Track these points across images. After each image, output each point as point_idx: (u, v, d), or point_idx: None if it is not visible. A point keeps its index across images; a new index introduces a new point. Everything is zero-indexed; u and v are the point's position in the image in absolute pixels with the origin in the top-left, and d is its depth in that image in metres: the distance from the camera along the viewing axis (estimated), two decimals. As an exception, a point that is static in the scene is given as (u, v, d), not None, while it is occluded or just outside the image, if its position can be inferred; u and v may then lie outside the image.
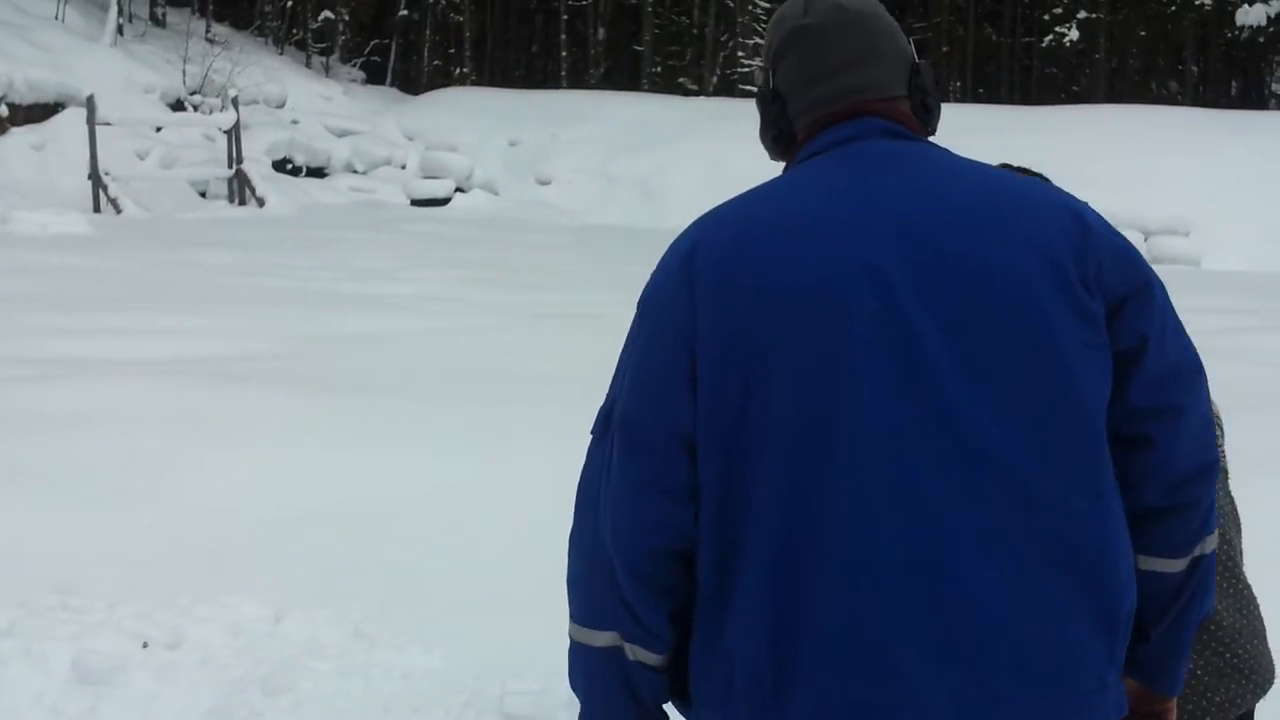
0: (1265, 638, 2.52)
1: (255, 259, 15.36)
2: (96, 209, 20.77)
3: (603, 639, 1.77)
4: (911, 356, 1.63)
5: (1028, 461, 1.63)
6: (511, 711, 3.91)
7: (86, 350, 8.40)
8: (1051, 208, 1.73)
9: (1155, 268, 1.78)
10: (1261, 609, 2.53)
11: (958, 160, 1.79)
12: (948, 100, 29.44)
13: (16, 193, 20.19)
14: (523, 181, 27.95)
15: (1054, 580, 1.63)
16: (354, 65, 36.24)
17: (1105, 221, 1.75)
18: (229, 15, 35.70)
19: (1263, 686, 2.50)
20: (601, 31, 38.94)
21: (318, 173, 26.97)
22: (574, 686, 1.85)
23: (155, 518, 5.28)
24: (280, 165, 26.12)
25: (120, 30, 27.56)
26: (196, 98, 26.75)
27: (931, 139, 1.87)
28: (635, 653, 1.76)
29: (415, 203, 26.38)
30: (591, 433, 1.82)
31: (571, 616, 1.82)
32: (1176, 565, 1.79)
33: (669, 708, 1.85)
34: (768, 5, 36.32)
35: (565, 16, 38.67)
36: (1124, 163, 21.84)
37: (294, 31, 35.62)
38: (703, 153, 26.70)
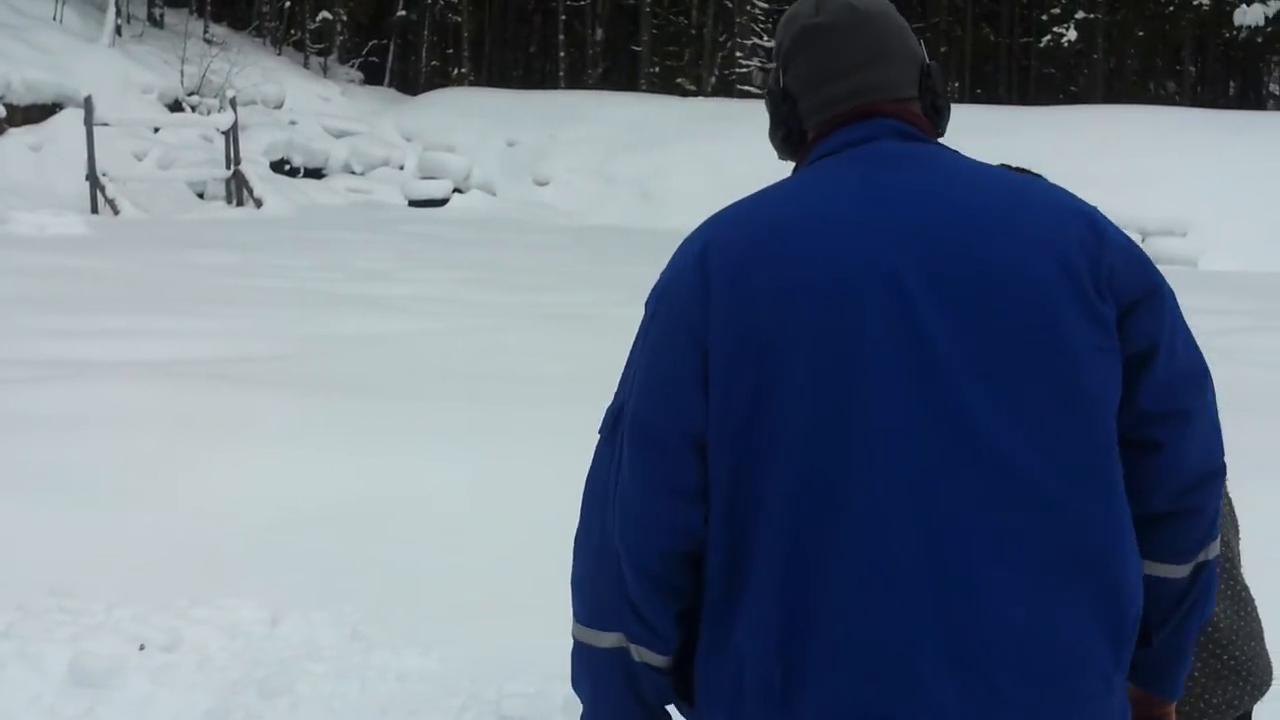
0: (1263, 639, 2.52)
1: (253, 260, 15.35)
2: (94, 210, 20.77)
3: (608, 640, 1.76)
4: (925, 358, 1.63)
5: (1039, 464, 1.63)
6: (508, 714, 3.91)
7: (84, 352, 8.39)
8: (1064, 211, 1.73)
9: (1153, 268, 1.78)
10: (1259, 610, 2.52)
11: (969, 162, 1.79)
12: (946, 100, 29.36)
13: (14, 194, 20.20)
14: (521, 182, 27.95)
15: (1064, 583, 1.64)
16: (352, 66, 36.24)
17: (1116, 226, 1.75)
18: (227, 16, 35.69)
19: (1260, 688, 2.50)
20: (599, 32, 38.95)
21: (315, 173, 26.98)
22: (576, 688, 1.84)
23: (152, 519, 5.28)
24: (278, 166, 26.12)
25: (118, 31, 27.56)
26: (194, 98, 26.75)
27: (940, 140, 1.87)
28: (641, 654, 1.75)
29: (413, 203, 26.37)
30: (599, 432, 1.81)
31: (575, 617, 1.81)
32: (1180, 571, 1.80)
33: (670, 709, 1.85)
34: (766, 6, 36.35)
35: (563, 17, 38.67)
36: (1122, 163, 21.85)
37: (292, 32, 35.62)
38: (701, 153, 26.71)
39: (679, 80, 37.26)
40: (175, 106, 26.35)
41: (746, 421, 1.66)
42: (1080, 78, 39.60)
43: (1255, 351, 9.85)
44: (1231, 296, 14.81)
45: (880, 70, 1.83)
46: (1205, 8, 35.88)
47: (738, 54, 36.07)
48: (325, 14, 35.89)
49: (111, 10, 27.03)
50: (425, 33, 38.36)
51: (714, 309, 1.68)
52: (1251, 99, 41.74)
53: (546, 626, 4.40)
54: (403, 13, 38.09)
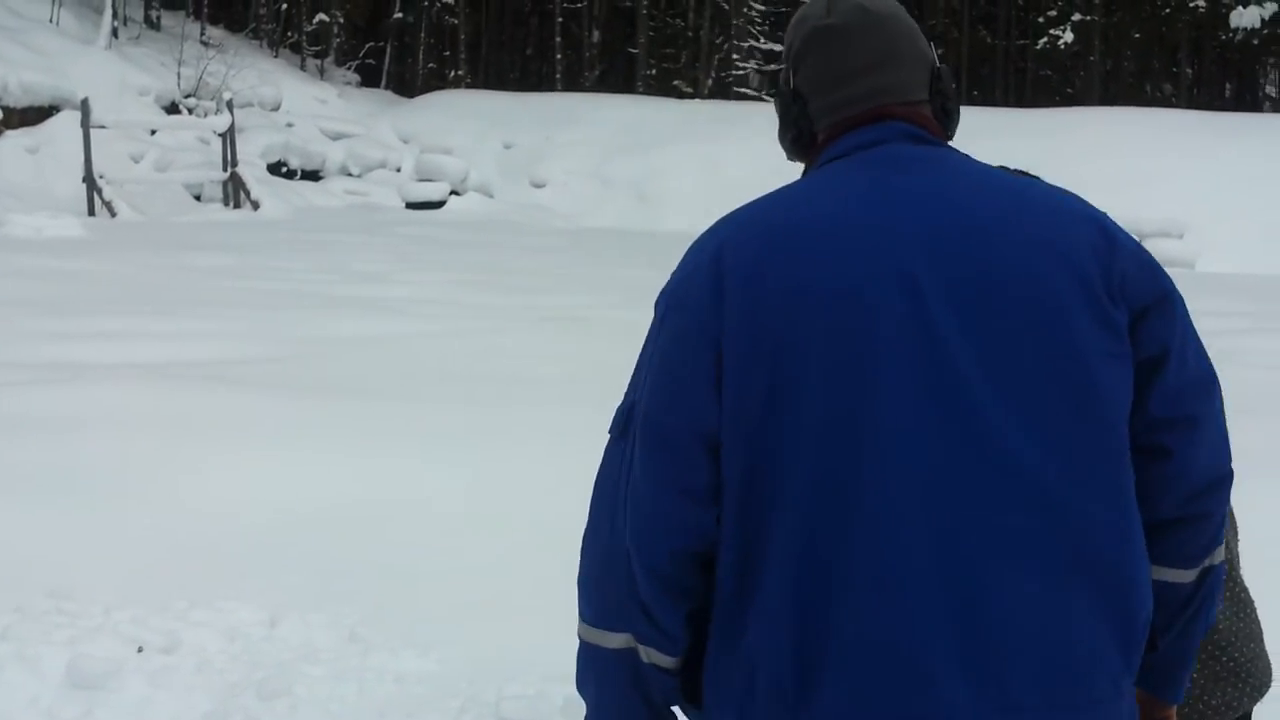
0: (1262, 640, 2.52)
1: (250, 262, 15.35)
2: (91, 212, 20.77)
3: (616, 640, 1.76)
4: (937, 360, 1.63)
5: (1052, 468, 1.63)
6: (507, 715, 3.91)
7: (81, 354, 8.39)
8: (1076, 217, 1.73)
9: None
10: (1259, 612, 2.53)
11: (980, 166, 1.79)
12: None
13: (11, 196, 20.19)
14: (517, 184, 27.95)
15: (1075, 587, 1.64)
16: (349, 68, 36.25)
17: (1127, 233, 1.76)
18: (224, 18, 35.69)
19: (1260, 690, 2.50)
20: (596, 34, 38.96)
21: (312, 176, 26.97)
22: (582, 689, 1.84)
23: (151, 522, 5.27)
24: (275, 168, 26.13)
25: (115, 33, 27.56)
26: (191, 101, 26.75)
27: (949, 143, 1.87)
28: (649, 655, 1.75)
29: (410, 205, 26.38)
30: (609, 432, 1.80)
31: (582, 617, 1.80)
32: (1187, 576, 1.80)
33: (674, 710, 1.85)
34: (762, 8, 36.37)
35: (560, 19, 38.66)
36: (1118, 165, 21.88)
37: (289, 34, 35.61)
38: (697, 155, 26.73)
39: (675, 82, 37.26)
40: (172, 109, 26.35)
41: (759, 422, 1.65)
42: (1077, 80, 39.63)
43: (1254, 353, 9.86)
44: (1229, 298, 14.82)
45: (891, 73, 1.82)
46: (1201, 10, 35.93)
47: (734, 56, 36.09)
48: (322, 16, 35.90)
49: (108, 12, 27.03)
50: (422, 35, 38.37)
51: (728, 309, 1.67)
52: (1248, 101, 41.78)
53: (545, 628, 4.40)
54: (399, 15, 38.10)
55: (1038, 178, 2.04)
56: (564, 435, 6.61)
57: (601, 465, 1.81)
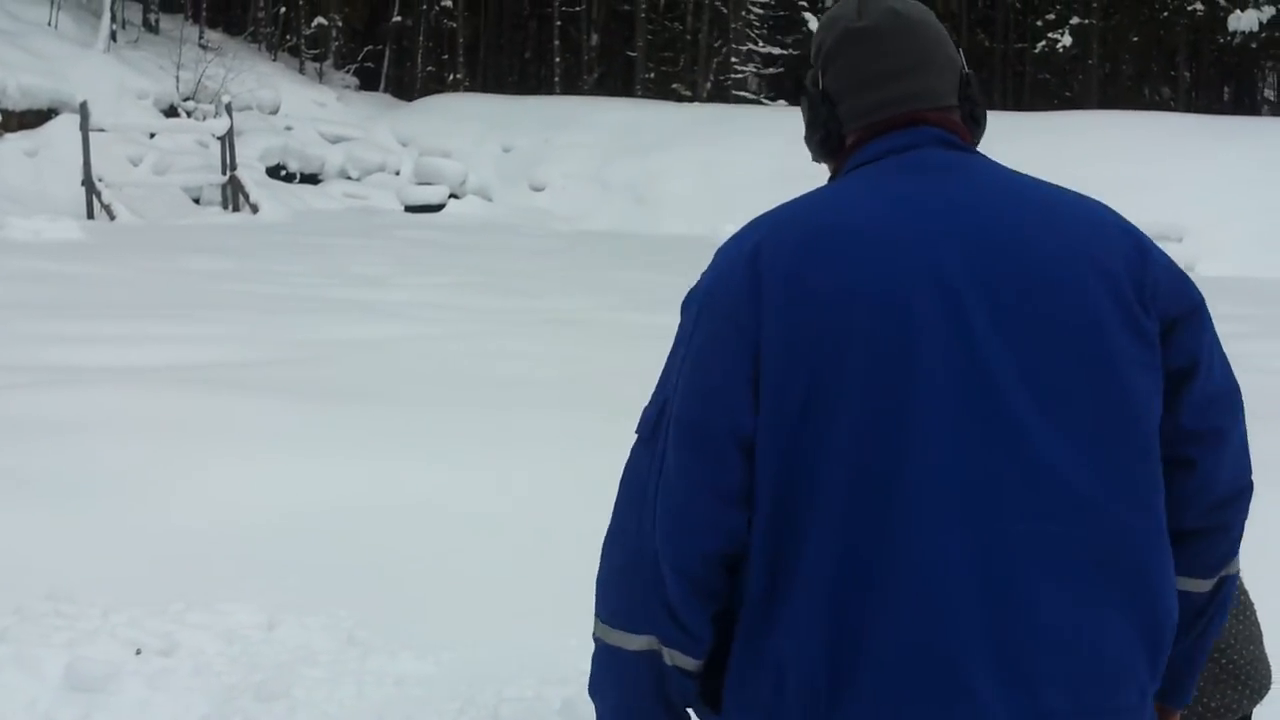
0: (1262, 643, 2.52)
1: (249, 265, 15.35)
2: (90, 215, 20.76)
3: (639, 642, 1.74)
4: (977, 369, 1.63)
5: (1086, 477, 1.64)
6: (505, 718, 3.90)
7: (80, 357, 8.39)
8: (1109, 227, 1.74)
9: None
10: (1258, 614, 2.53)
11: (1010, 173, 1.79)
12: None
13: (10, 199, 20.19)
14: (516, 187, 27.96)
15: (1107, 595, 1.64)
16: (347, 71, 36.25)
17: (1158, 246, 1.76)
18: (222, 21, 35.71)
19: (1259, 692, 2.50)
20: (595, 38, 38.97)
21: (311, 179, 26.96)
22: (596, 691, 1.82)
23: (149, 524, 5.27)
24: (274, 171, 26.13)
25: (113, 36, 27.55)
26: (190, 104, 26.74)
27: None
28: (673, 657, 1.74)
29: (409, 209, 26.38)
30: (637, 432, 1.78)
31: (602, 619, 1.79)
32: (1205, 585, 1.82)
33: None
34: (760, 12, 36.38)
35: (559, 23, 38.68)
36: (1117, 168, 21.87)
37: (287, 38, 35.61)
38: (696, 158, 26.73)
39: (674, 86, 37.27)
40: (171, 112, 26.34)
41: (796, 424, 1.65)
42: (1075, 83, 39.65)
43: (1256, 356, 9.85)
44: (1230, 301, 14.81)
45: (923, 77, 1.82)
46: (1199, 13, 35.95)
47: (733, 60, 36.10)
48: (321, 20, 35.91)
49: (107, 16, 27.03)
50: (421, 38, 38.38)
51: (766, 310, 1.66)
52: (1246, 104, 41.81)
53: (544, 631, 4.40)
54: (398, 18, 38.11)
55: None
56: (563, 438, 6.61)
57: (628, 467, 1.79)
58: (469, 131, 29.30)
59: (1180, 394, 1.72)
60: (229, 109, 23.91)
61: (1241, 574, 2.47)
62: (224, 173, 23.56)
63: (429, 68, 38.89)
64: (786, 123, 27.01)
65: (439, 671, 4.19)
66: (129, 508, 5.42)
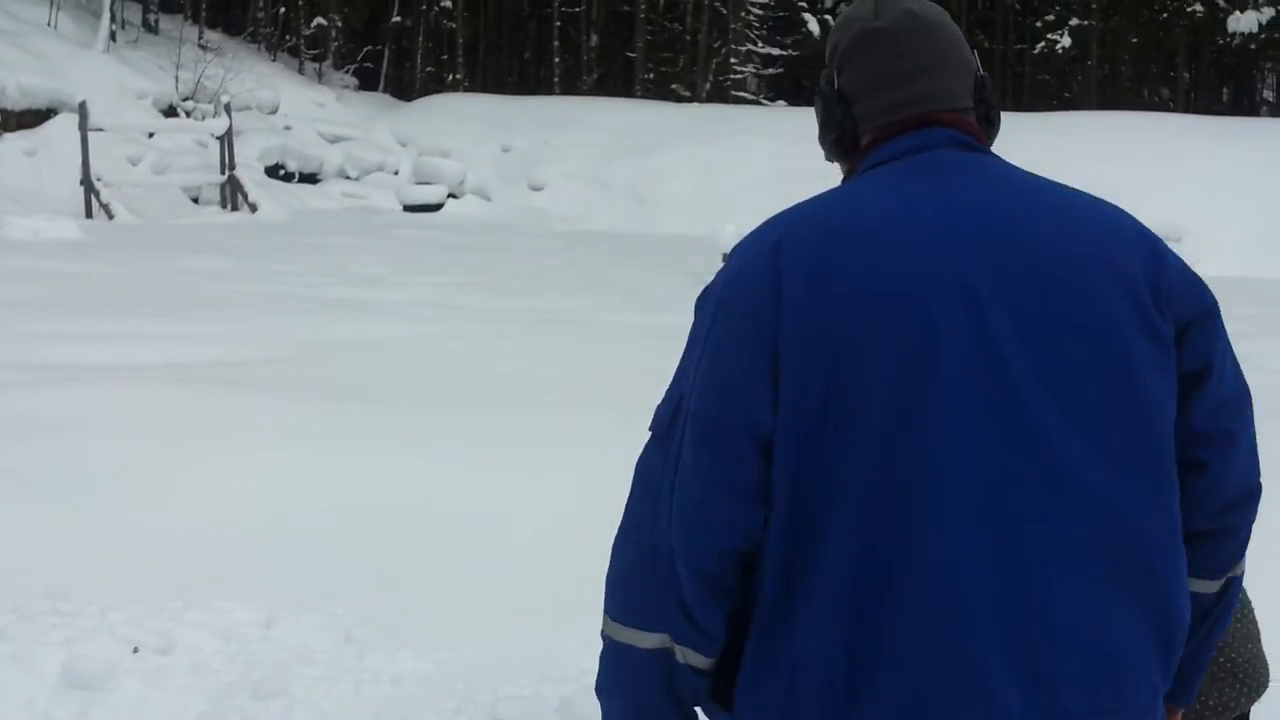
0: (1260, 641, 2.52)
1: (248, 265, 15.34)
2: (89, 215, 20.75)
3: (651, 640, 1.74)
4: (997, 371, 1.63)
5: (1104, 478, 1.64)
6: (502, 716, 3.90)
7: (79, 356, 8.38)
8: (1125, 231, 1.74)
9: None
10: (1256, 612, 2.53)
11: (1025, 174, 1.80)
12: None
13: (9, 198, 20.18)
14: (515, 187, 27.95)
15: (1122, 597, 1.65)
16: (347, 71, 36.24)
17: (1172, 250, 1.77)
18: (221, 21, 35.70)
19: (1257, 690, 2.50)
20: (594, 38, 38.97)
21: (310, 179, 26.96)
22: (604, 690, 1.81)
23: (147, 523, 5.27)
24: (273, 171, 26.12)
25: (113, 36, 27.55)
26: (189, 104, 26.73)
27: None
28: (686, 655, 1.73)
29: (408, 208, 26.37)
30: (651, 429, 1.78)
31: (613, 617, 1.77)
32: (1212, 587, 1.83)
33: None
34: (760, 13, 36.38)
35: (558, 23, 38.68)
36: (1116, 169, 21.87)
37: (287, 38, 35.61)
38: (695, 159, 26.74)
39: (673, 86, 37.27)
40: (170, 112, 26.33)
41: (814, 423, 1.64)
42: (1074, 84, 39.65)
43: (1257, 356, 9.85)
44: (1233, 302, 14.73)
45: (939, 78, 1.82)
46: (1199, 15, 35.96)
47: (732, 60, 36.09)
48: (320, 20, 35.90)
49: (106, 16, 27.02)
50: (420, 39, 38.37)
51: (786, 308, 1.66)
52: (1245, 105, 41.83)
53: (542, 629, 4.40)
54: (397, 19, 38.11)
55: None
56: (562, 437, 6.61)
57: (641, 463, 1.78)
58: (468, 131, 29.30)
59: (1192, 397, 1.73)
60: (228, 109, 23.91)
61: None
62: (223, 172, 23.55)
63: (428, 68, 38.88)
64: (786, 123, 27.13)
65: (437, 670, 4.19)
66: (127, 506, 5.41)
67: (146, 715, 3.88)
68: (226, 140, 23.43)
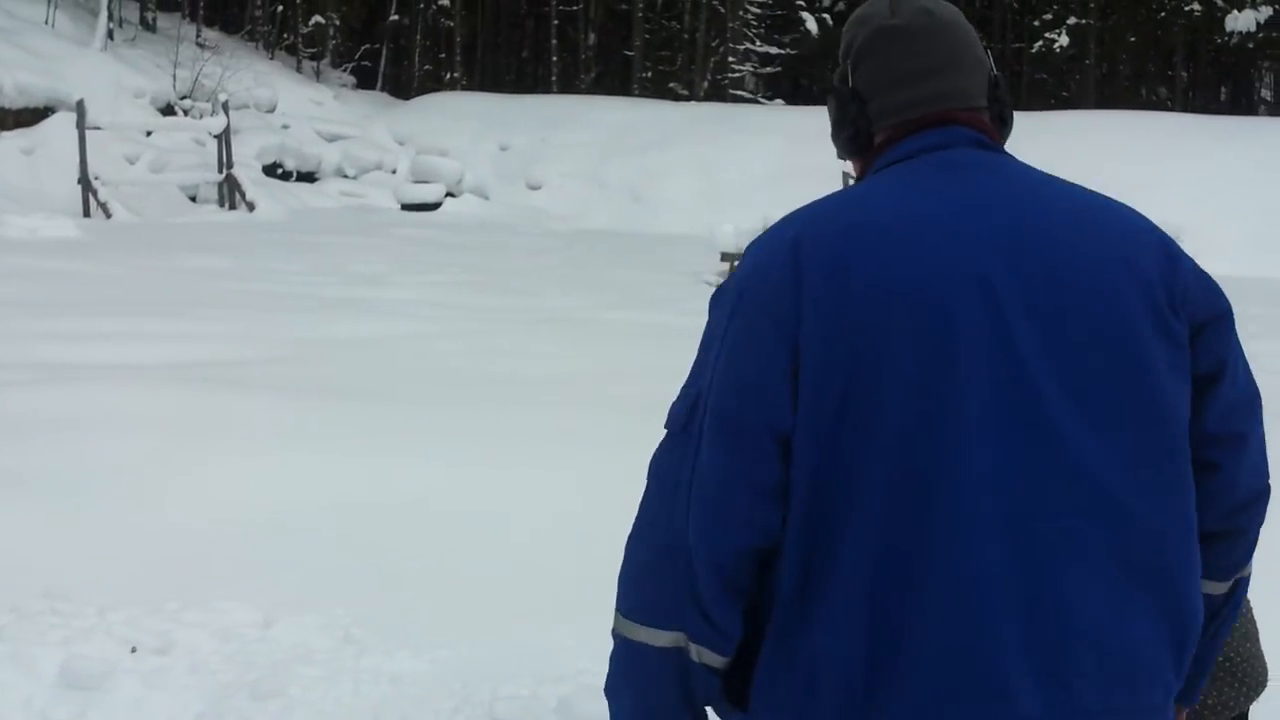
0: (1259, 640, 2.53)
1: (246, 264, 15.33)
2: (86, 213, 20.73)
3: (665, 639, 1.72)
4: (1015, 371, 1.63)
5: (1120, 479, 1.64)
6: (501, 716, 3.90)
7: (77, 355, 8.38)
8: (1140, 232, 1.75)
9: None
10: (1255, 612, 2.53)
11: (1041, 174, 1.80)
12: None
13: (6, 197, 20.16)
14: (513, 186, 27.95)
15: (1138, 597, 1.65)
16: (344, 70, 36.23)
17: (1183, 250, 1.77)
18: (219, 20, 35.70)
19: (1256, 689, 2.50)
20: (592, 37, 38.97)
21: (308, 177, 26.94)
22: (614, 690, 1.80)
23: (145, 523, 5.27)
24: (270, 170, 26.11)
25: (110, 35, 27.52)
26: (187, 102, 26.72)
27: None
28: (701, 654, 1.72)
29: (406, 207, 26.36)
30: (666, 427, 1.76)
31: (626, 615, 1.76)
32: (1221, 588, 1.83)
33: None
34: (758, 11, 36.38)
35: (556, 22, 38.68)
36: (1114, 168, 21.89)
37: (284, 36, 35.60)
38: (693, 158, 26.75)
39: (671, 85, 37.28)
40: (167, 110, 26.32)
41: (833, 421, 1.64)
42: (1072, 84, 39.66)
43: (1260, 356, 9.85)
44: (1234, 301, 14.82)
45: (955, 78, 1.83)
46: (1197, 14, 35.97)
47: (730, 59, 36.10)
48: (318, 18, 35.88)
49: (104, 14, 27.01)
50: (418, 37, 38.37)
51: (807, 305, 1.65)
52: (1243, 104, 41.84)
53: (541, 629, 4.40)
54: (395, 17, 38.09)
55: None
56: (560, 436, 6.61)
57: (657, 460, 1.76)
58: (466, 130, 29.31)
59: (1205, 398, 1.73)
60: (226, 107, 23.89)
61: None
62: (220, 171, 23.53)
63: (426, 66, 38.88)
64: (784, 122, 27.14)
65: (435, 670, 4.18)
66: (125, 506, 5.41)
67: (145, 715, 3.88)
68: (224, 139, 23.42)
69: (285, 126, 27.84)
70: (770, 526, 1.68)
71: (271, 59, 33.36)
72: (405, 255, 17.76)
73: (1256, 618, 2.56)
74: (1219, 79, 43.76)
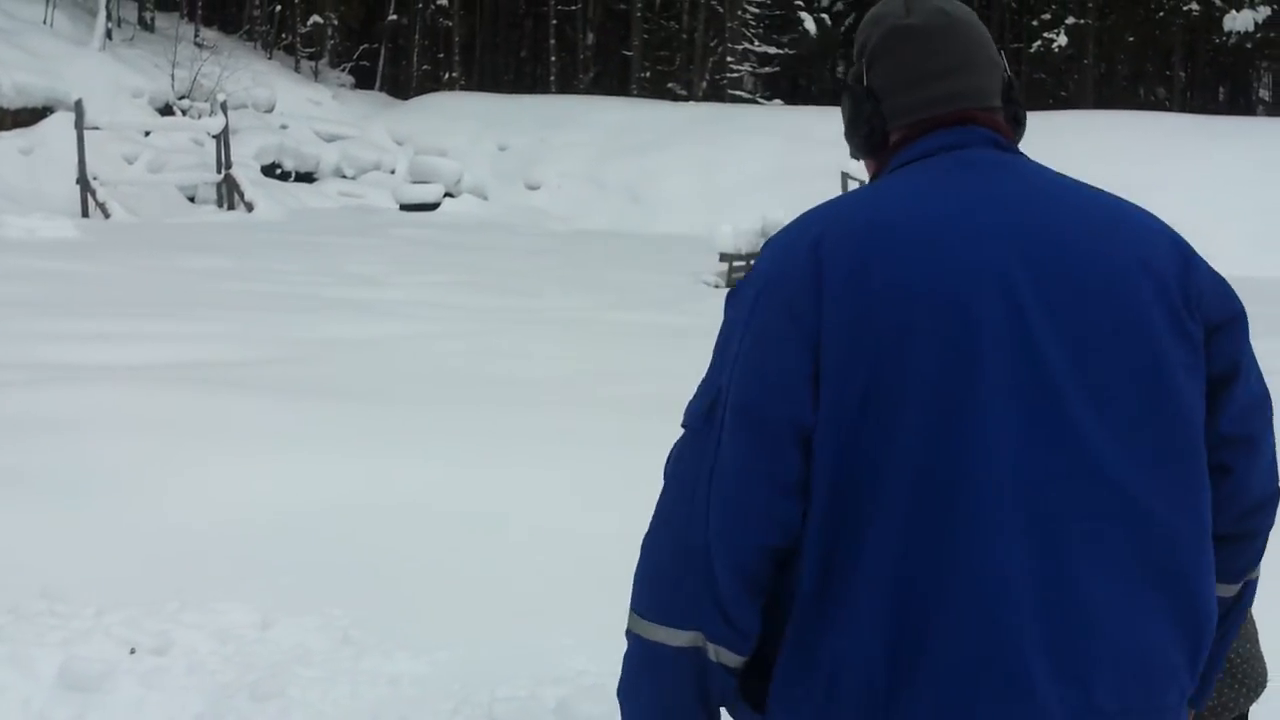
0: (1258, 641, 2.52)
1: (244, 264, 15.33)
2: (85, 213, 20.74)
3: (683, 638, 1.71)
4: (1035, 371, 1.63)
5: (1138, 480, 1.64)
6: (499, 717, 3.90)
7: (76, 355, 8.38)
8: (1156, 233, 1.74)
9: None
10: (1255, 612, 2.52)
11: (1056, 175, 1.80)
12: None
13: (5, 197, 20.16)
14: (512, 186, 27.96)
15: (1154, 598, 1.65)
16: (343, 70, 36.24)
17: (1196, 252, 1.77)
18: (217, 20, 35.70)
19: (1255, 690, 2.50)
20: (590, 36, 38.97)
21: (306, 178, 26.95)
22: (628, 691, 1.79)
23: (144, 523, 5.26)
24: (269, 170, 26.12)
25: (109, 34, 27.53)
26: (185, 102, 26.73)
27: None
28: (719, 654, 1.71)
29: (404, 207, 26.37)
30: (684, 425, 1.75)
31: (643, 615, 1.74)
32: (1231, 590, 1.83)
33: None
34: (757, 11, 36.39)
35: (554, 21, 38.69)
36: (1112, 168, 21.88)
37: (283, 36, 35.60)
38: (692, 158, 26.75)
39: (670, 85, 37.29)
40: (166, 110, 26.33)
41: (854, 420, 1.63)
42: (1070, 83, 39.68)
43: (1259, 356, 9.87)
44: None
45: (970, 77, 1.82)
46: (1195, 14, 35.99)
47: (728, 59, 36.11)
48: (316, 18, 35.89)
49: (102, 14, 27.01)
50: (416, 37, 38.37)
51: (828, 303, 1.65)
52: (1241, 104, 41.87)
53: (540, 630, 4.40)
54: (394, 17, 38.09)
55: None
56: (558, 437, 6.61)
57: (676, 458, 1.75)
58: (464, 130, 29.31)
59: (1219, 400, 1.73)
60: (224, 107, 23.90)
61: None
62: (219, 171, 23.54)
63: (424, 66, 38.89)
64: (782, 122, 27.15)
65: (434, 671, 4.18)
66: (124, 506, 5.41)
67: (143, 716, 3.88)
68: (223, 139, 23.42)
69: (284, 126, 27.85)
70: (790, 524, 1.67)
71: (270, 59, 33.38)
72: (404, 255, 17.76)
73: (1256, 618, 2.55)
74: (1217, 79, 43.79)
